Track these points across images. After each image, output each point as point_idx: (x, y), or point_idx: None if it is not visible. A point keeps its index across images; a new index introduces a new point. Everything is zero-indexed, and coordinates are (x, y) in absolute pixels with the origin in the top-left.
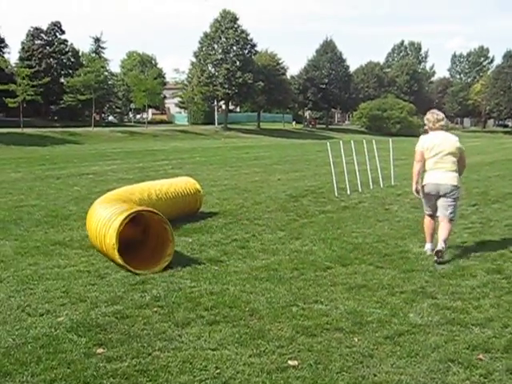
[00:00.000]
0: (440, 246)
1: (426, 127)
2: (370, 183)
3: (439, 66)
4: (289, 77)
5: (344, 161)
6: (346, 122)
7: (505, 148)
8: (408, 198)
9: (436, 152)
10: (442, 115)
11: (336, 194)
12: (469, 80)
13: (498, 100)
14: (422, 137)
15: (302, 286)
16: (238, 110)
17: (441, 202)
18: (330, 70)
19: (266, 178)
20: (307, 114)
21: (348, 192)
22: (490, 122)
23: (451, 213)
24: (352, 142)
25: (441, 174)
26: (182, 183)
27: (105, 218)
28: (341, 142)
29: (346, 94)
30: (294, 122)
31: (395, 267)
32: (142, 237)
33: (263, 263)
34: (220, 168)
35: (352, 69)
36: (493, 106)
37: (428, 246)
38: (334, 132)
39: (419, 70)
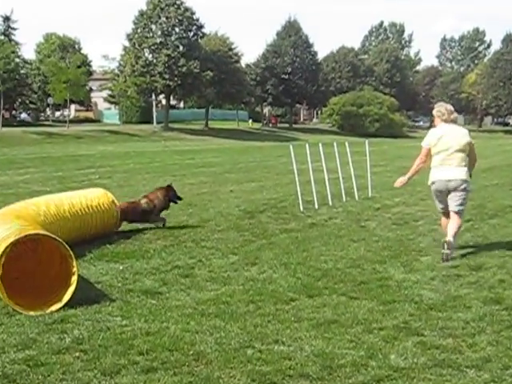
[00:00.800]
0: (448, 238)
1: (437, 120)
2: (343, 195)
3: (426, 53)
4: (244, 65)
5: (311, 168)
6: (314, 121)
7: (505, 151)
8: (389, 213)
9: (444, 148)
10: (449, 107)
11: (301, 208)
12: (462, 69)
13: (497, 93)
14: (430, 131)
15: (260, 322)
16: (181, 105)
17: (450, 196)
18: (293, 56)
19: (216, 190)
20: (266, 110)
21: (316, 206)
22: (488, 119)
23: (459, 205)
24: (320, 144)
25: (450, 171)
26: (92, 195)
27: None
28: (307, 144)
29: (313, 87)
30: (250, 121)
31: (373, 298)
32: (36, 265)
33: (212, 295)
34: (159, 177)
35: (321, 56)
36: (490, 101)
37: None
38: (299, 132)
39: (402, 57)
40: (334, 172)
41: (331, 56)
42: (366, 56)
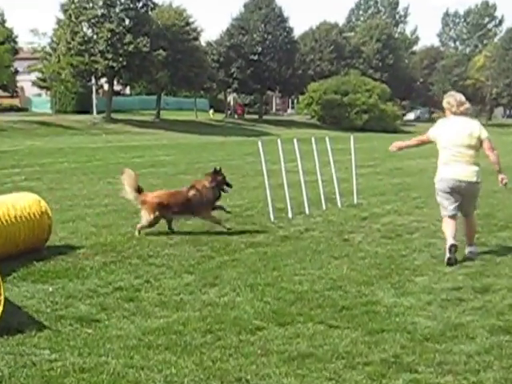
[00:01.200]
0: (469, 250)
1: (447, 112)
2: (323, 201)
3: (425, 30)
4: (204, 43)
5: (284, 169)
6: (289, 111)
7: None
8: (378, 224)
9: (450, 144)
10: (460, 97)
11: (272, 217)
12: (467, 50)
13: (510, 79)
14: (439, 121)
15: (219, 356)
16: (127, 91)
17: (462, 199)
18: (264, 33)
19: None
20: (231, 98)
21: (290, 215)
22: (498, 111)
23: (472, 209)
24: (295, 140)
25: (458, 169)
26: (22, 204)
27: None
28: (279, 140)
29: (288, 70)
30: (211, 111)
31: (357, 326)
32: None
33: (161, 323)
34: (99, 179)
35: (297, 33)
36: (502, 89)
37: (449, 241)
38: (270, 125)
39: (396, 36)
40: (312, 174)
41: (310, 33)
42: (353, 34)
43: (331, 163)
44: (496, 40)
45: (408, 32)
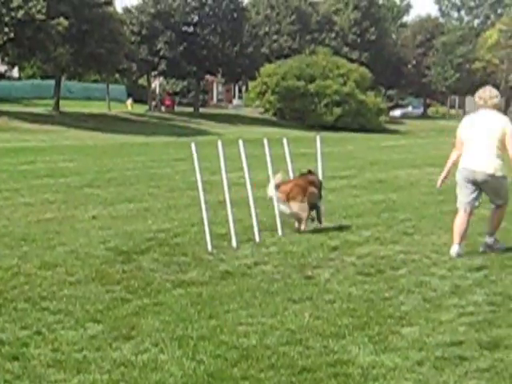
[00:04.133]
0: (486, 241)
1: (478, 107)
2: (278, 225)
3: None
4: (120, 10)
5: (226, 181)
6: (236, 102)
7: None
8: (352, 256)
9: (475, 135)
10: (494, 91)
11: (209, 247)
12: (476, 23)
13: None
14: (465, 119)
15: None
16: (15, 74)
17: (487, 193)
18: None
19: (69, 215)
20: (156, 84)
21: (234, 243)
22: None
23: (497, 199)
24: (241, 142)
25: (477, 160)
26: None
27: None
28: (220, 142)
29: (234, 47)
30: (129, 101)
31: None
32: None
33: None
34: None
35: None
36: None
37: (455, 248)
38: (210, 121)
39: (380, 2)
40: (264, 188)
41: None
42: None
43: (290, 173)
44: None
45: None
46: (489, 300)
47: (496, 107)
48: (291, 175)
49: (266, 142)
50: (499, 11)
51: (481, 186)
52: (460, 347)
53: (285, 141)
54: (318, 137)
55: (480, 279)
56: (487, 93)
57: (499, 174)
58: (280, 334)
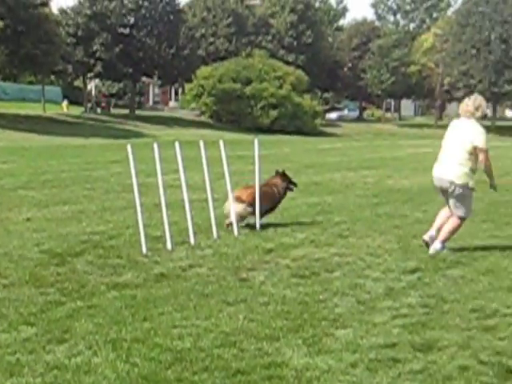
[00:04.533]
0: (433, 247)
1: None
2: (214, 228)
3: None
4: (56, 11)
5: (162, 183)
6: (172, 105)
7: None
8: (287, 258)
9: (445, 143)
10: (478, 100)
11: (144, 249)
12: (412, 26)
13: (467, 66)
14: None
15: None
16: None
17: (449, 200)
18: None
19: (3, 217)
20: (92, 86)
21: (169, 246)
22: (452, 107)
23: (454, 208)
24: (177, 144)
25: (443, 167)
26: None
27: None
28: (155, 144)
29: (170, 49)
30: (64, 103)
31: None
32: None
33: None
34: None
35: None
36: (457, 78)
37: (429, 232)
38: (145, 123)
39: (316, 5)
40: (200, 190)
41: (202, 0)
42: (258, 1)
43: (226, 176)
44: (449, 13)
45: (333, 0)
46: (422, 302)
47: (473, 116)
48: (228, 179)
49: (202, 144)
50: (435, 15)
51: (444, 192)
52: (393, 349)
53: (221, 143)
54: (255, 140)
55: (414, 281)
56: (465, 101)
57: (460, 182)
58: (214, 337)
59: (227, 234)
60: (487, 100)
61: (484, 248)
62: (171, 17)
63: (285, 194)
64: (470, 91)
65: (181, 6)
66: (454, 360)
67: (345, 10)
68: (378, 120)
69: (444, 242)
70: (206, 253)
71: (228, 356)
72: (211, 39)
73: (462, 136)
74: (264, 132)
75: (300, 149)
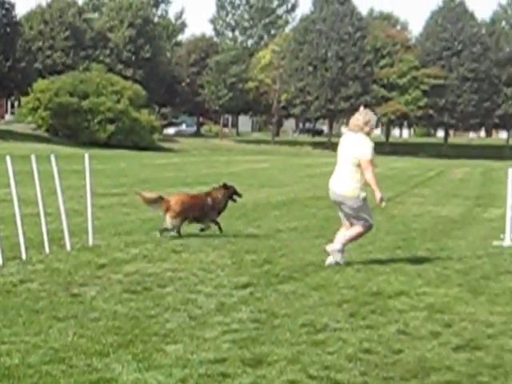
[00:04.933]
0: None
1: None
2: (46, 243)
3: (195, 14)
4: None
5: None
6: (8, 118)
7: (312, 175)
8: (120, 273)
9: (339, 157)
10: (368, 116)
11: None
12: (250, 43)
13: (304, 83)
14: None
15: None
16: None
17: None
18: None
19: None
20: None
21: None
22: (289, 124)
23: (353, 218)
24: (8, 158)
25: (333, 182)
26: None
27: None
28: None
29: (7, 61)
30: None
31: None
32: None
33: None
34: None
35: (21, 11)
36: (294, 95)
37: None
38: None
39: (155, 20)
40: (33, 205)
41: (38, 12)
42: (97, 15)
43: (58, 191)
44: (287, 30)
45: (172, 15)
46: (253, 317)
47: (362, 131)
48: (60, 194)
49: (33, 158)
50: (272, 32)
51: (338, 204)
52: (223, 364)
53: (52, 157)
54: (86, 155)
55: (246, 297)
56: (356, 116)
57: (349, 194)
58: (43, 353)
59: (60, 248)
60: (323, 117)
61: (316, 263)
62: (8, 29)
63: (225, 204)
64: (306, 108)
65: (17, 18)
66: (282, 375)
67: (184, 25)
68: (216, 135)
69: (344, 244)
70: (37, 268)
71: (57, 372)
72: (48, 52)
73: (349, 150)
74: (101, 146)
75: (137, 164)
